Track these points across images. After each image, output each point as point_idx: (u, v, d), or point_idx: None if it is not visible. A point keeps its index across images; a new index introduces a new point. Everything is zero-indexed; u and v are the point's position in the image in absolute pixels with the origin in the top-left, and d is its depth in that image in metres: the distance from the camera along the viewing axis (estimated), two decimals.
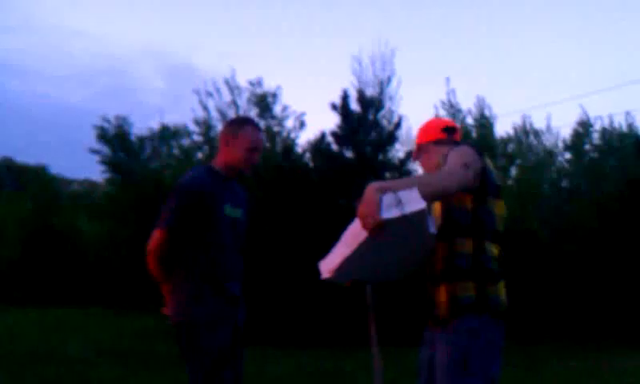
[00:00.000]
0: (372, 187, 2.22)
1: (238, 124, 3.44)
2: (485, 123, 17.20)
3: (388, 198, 2.19)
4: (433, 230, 2.40)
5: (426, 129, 3.00)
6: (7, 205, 25.00)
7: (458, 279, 2.54)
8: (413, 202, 2.19)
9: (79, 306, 17.70)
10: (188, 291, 3.18)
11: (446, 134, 2.93)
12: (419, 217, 2.22)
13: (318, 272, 2.64)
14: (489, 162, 2.68)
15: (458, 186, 2.42)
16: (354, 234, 2.34)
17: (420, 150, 3.00)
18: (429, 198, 2.30)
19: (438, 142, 2.92)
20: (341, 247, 2.45)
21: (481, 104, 17.42)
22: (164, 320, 3.28)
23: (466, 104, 17.56)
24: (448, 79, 16.95)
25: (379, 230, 2.18)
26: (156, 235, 3.16)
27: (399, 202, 2.18)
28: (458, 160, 2.50)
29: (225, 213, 3.25)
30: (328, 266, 2.54)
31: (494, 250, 2.60)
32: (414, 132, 3.19)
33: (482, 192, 2.58)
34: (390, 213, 2.17)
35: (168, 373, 7.61)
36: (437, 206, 2.63)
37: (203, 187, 3.20)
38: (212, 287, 3.19)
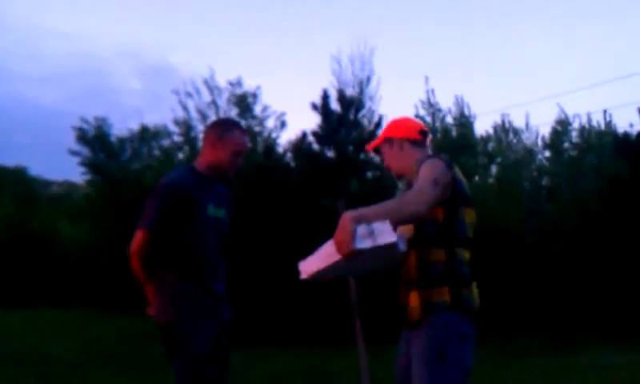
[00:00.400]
0: (347, 217, 2.36)
1: (225, 126, 3.42)
2: (464, 122, 17.33)
3: (362, 229, 2.35)
4: (403, 248, 2.54)
5: (402, 125, 3.00)
6: None
7: (433, 286, 2.64)
8: (385, 234, 2.35)
9: (61, 308, 17.53)
10: (172, 292, 3.17)
11: (422, 136, 2.97)
12: (390, 247, 2.38)
13: (298, 271, 2.70)
14: (459, 173, 2.76)
15: (427, 206, 2.55)
16: (329, 253, 2.47)
17: (388, 143, 2.97)
18: (401, 223, 2.52)
19: (414, 143, 2.94)
20: (317, 258, 2.57)
21: (460, 103, 17.57)
22: (148, 321, 3.27)
23: (446, 103, 17.69)
24: (427, 78, 16.99)
25: (352, 256, 2.35)
26: (138, 236, 3.14)
27: (372, 233, 2.34)
28: (429, 175, 2.60)
29: (208, 213, 3.25)
30: (306, 268, 2.61)
31: (465, 254, 2.71)
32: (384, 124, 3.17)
33: (453, 202, 2.68)
34: (363, 243, 2.34)
35: (153, 374, 7.59)
36: None
37: (185, 187, 3.19)
38: (196, 287, 3.19)
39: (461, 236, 2.70)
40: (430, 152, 2.97)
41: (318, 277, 2.64)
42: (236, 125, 3.50)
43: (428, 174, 2.61)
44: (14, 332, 12.39)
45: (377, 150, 3.08)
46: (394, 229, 2.41)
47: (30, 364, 8.31)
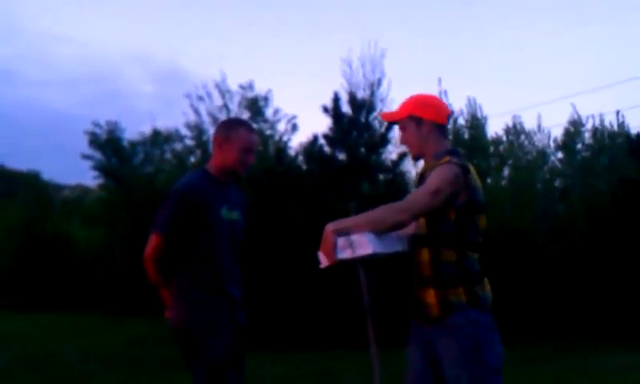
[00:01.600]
0: (328, 229, 2.48)
1: (231, 126, 3.42)
2: (476, 124, 17.25)
3: (341, 241, 2.46)
4: (400, 248, 2.64)
5: (431, 105, 2.86)
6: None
7: (448, 286, 2.66)
8: (362, 246, 2.44)
9: (74, 312, 17.61)
10: (187, 296, 3.17)
11: (447, 122, 2.94)
12: (372, 256, 2.47)
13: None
14: (475, 178, 2.74)
15: (414, 217, 2.60)
16: (322, 257, 2.56)
17: (414, 121, 2.83)
18: (386, 231, 2.54)
19: (440, 128, 2.85)
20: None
21: (472, 105, 17.48)
22: (160, 325, 3.29)
23: (458, 105, 17.57)
24: (440, 80, 16.94)
25: (335, 265, 2.48)
26: (152, 241, 3.15)
27: (351, 244, 2.45)
28: (433, 183, 2.61)
29: (222, 216, 3.24)
30: (323, 260, 2.63)
31: (475, 255, 2.74)
32: (406, 97, 2.92)
33: (468, 209, 2.68)
34: (343, 254, 2.46)
35: (166, 377, 7.61)
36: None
37: (198, 191, 3.19)
38: (211, 291, 3.18)
39: (472, 241, 2.72)
40: (449, 145, 2.90)
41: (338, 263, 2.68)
42: (241, 122, 3.51)
43: (434, 181, 2.61)
44: (26, 336, 12.47)
45: (392, 121, 2.99)
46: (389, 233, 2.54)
47: (42, 368, 8.36)
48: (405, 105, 2.89)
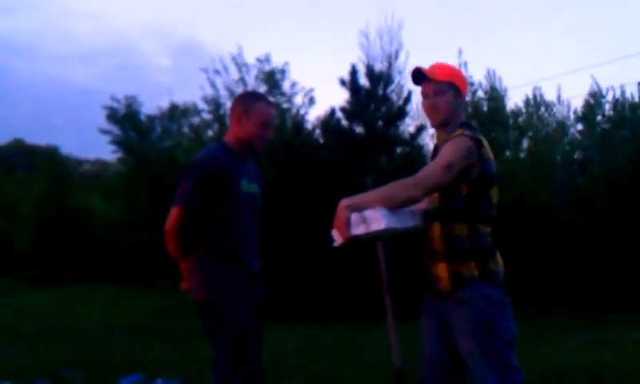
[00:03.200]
0: (342, 205, 2.48)
1: (249, 99, 3.41)
2: (496, 96, 17.10)
3: (354, 217, 2.48)
4: (413, 223, 2.65)
5: (463, 78, 2.89)
6: (21, 187, 25.23)
7: (460, 260, 2.67)
8: (376, 221, 2.46)
9: (94, 284, 17.86)
10: (209, 268, 3.18)
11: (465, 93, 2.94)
12: (384, 231, 2.49)
13: (330, 249, 2.74)
14: (487, 151, 2.72)
15: (427, 192, 2.60)
16: (335, 234, 2.57)
17: (453, 90, 2.80)
18: (399, 207, 2.55)
19: (462, 102, 2.87)
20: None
21: (491, 77, 17.33)
22: (180, 297, 3.33)
23: (477, 76, 17.45)
24: (460, 51, 16.64)
25: (349, 241, 2.48)
26: (174, 213, 3.15)
27: (365, 220, 2.47)
28: (446, 158, 2.60)
29: (242, 188, 3.26)
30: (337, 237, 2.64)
31: (486, 229, 2.72)
32: (439, 63, 2.88)
33: (481, 181, 2.67)
34: (356, 230, 2.47)
35: (186, 347, 7.71)
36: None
37: (219, 164, 3.19)
38: (233, 263, 3.21)
39: (484, 213, 2.70)
40: (463, 117, 2.88)
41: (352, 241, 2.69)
42: (261, 96, 3.49)
43: (446, 155, 2.60)
44: (48, 308, 12.67)
45: (417, 79, 2.84)
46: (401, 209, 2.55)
47: (64, 339, 8.50)
48: (443, 71, 2.84)
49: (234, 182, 3.22)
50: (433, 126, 2.90)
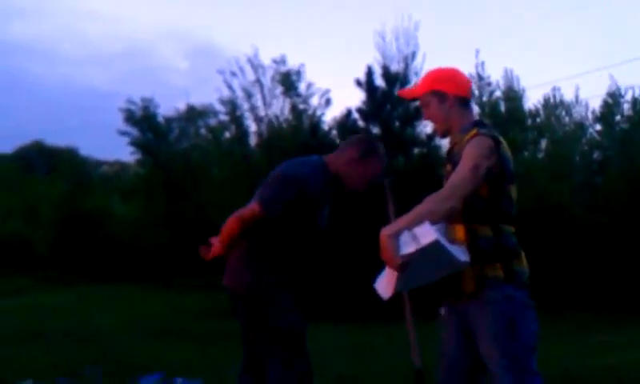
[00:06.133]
0: (384, 235, 2.42)
1: (369, 150, 3.38)
2: (513, 96, 17.01)
3: (404, 236, 2.44)
4: (463, 258, 2.57)
5: (452, 78, 2.83)
6: (40, 187, 25.49)
7: (485, 261, 2.63)
8: (425, 235, 2.43)
9: (113, 284, 17.94)
10: (263, 264, 3.19)
11: (470, 95, 2.90)
12: (435, 246, 2.45)
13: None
14: (505, 148, 2.71)
15: (463, 198, 2.56)
16: (388, 276, 2.56)
17: (437, 96, 2.79)
18: (439, 221, 2.52)
19: (463, 102, 2.81)
20: (385, 278, 2.63)
21: (509, 77, 17.23)
22: (200, 297, 3.36)
23: (494, 77, 17.33)
24: (477, 51, 16.54)
25: (404, 266, 2.41)
26: (253, 208, 3.15)
27: (415, 238, 2.43)
28: (471, 160, 2.58)
29: (323, 215, 3.30)
30: (382, 289, 2.67)
31: (510, 229, 2.69)
32: (425, 72, 2.91)
33: (501, 180, 2.65)
34: (408, 248, 2.42)
35: (206, 348, 7.76)
36: None
37: (316, 191, 3.22)
38: (286, 269, 3.26)
39: (506, 212, 2.68)
40: (475, 116, 2.88)
41: (402, 289, 2.69)
42: (379, 151, 3.43)
43: (470, 157, 2.58)
44: (68, 309, 12.78)
45: (413, 98, 2.95)
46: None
47: (84, 339, 8.58)
48: (425, 80, 2.85)
49: (319, 210, 3.26)
50: (439, 136, 2.93)
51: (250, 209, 3.16)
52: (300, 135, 14.17)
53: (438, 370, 2.84)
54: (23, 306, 12.84)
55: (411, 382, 3.79)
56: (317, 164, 3.38)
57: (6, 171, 28.34)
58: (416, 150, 13.87)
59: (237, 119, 17.57)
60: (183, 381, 5.54)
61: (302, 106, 17.06)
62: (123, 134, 22.38)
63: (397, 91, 3.12)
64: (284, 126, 16.33)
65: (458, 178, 2.58)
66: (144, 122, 22.53)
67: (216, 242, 3.33)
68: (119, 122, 22.46)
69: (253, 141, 17.36)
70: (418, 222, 2.44)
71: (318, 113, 16.66)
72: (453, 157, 2.74)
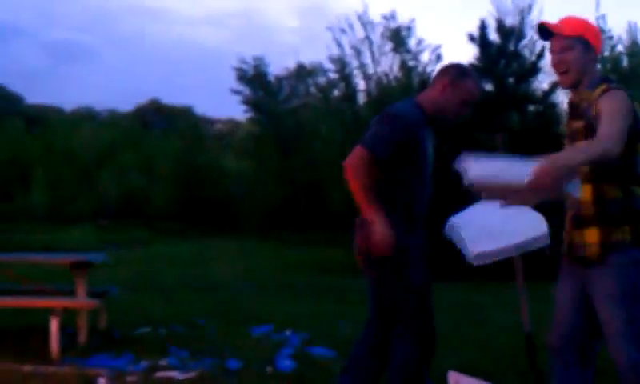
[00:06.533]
0: (546, 168, 2.33)
1: (461, 73, 3.34)
2: (637, 51, 16.00)
3: (574, 182, 2.41)
4: (577, 194, 2.49)
5: (595, 31, 2.76)
6: (157, 144, 26.68)
7: (613, 224, 2.53)
8: (577, 187, 2.41)
9: (228, 237, 18.44)
10: (393, 225, 3.08)
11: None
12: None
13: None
14: (637, 107, 2.56)
15: (620, 145, 2.42)
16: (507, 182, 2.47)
17: (582, 44, 2.67)
18: (599, 162, 2.44)
19: (596, 56, 2.74)
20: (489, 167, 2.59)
21: (632, 30, 16.19)
22: (316, 252, 3.40)
23: (616, 30, 16.34)
24: (598, 3, 15.63)
25: (545, 193, 2.39)
26: (357, 152, 3.09)
27: (575, 187, 2.40)
28: (617, 110, 2.45)
29: (427, 153, 3.27)
30: (479, 247, 2.65)
31: (639, 191, 2.58)
32: (568, 16, 2.75)
33: (633, 137, 2.52)
34: (575, 191, 2.41)
35: (315, 302, 7.92)
36: None
37: (416, 125, 3.18)
38: (413, 223, 3.23)
39: (637, 173, 2.56)
40: (599, 73, 2.77)
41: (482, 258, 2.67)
42: (472, 74, 3.41)
43: (615, 109, 2.46)
44: (185, 260, 13.34)
45: (544, 34, 2.75)
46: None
47: (200, 290, 8.95)
48: (572, 24, 2.71)
49: (423, 147, 3.20)
50: (563, 87, 2.79)
51: (353, 154, 3.09)
52: (410, 93, 13.96)
53: (551, 335, 2.78)
54: (143, 257, 13.52)
55: (518, 344, 3.73)
56: (410, 102, 3.35)
57: (126, 129, 29.66)
58: (531, 108, 13.37)
59: (346, 77, 17.55)
60: (292, 333, 5.72)
61: (411, 63, 16.78)
62: (236, 92, 22.97)
63: (536, 22, 2.96)
64: (393, 83, 16.15)
65: (613, 126, 2.44)
66: (256, 81, 22.97)
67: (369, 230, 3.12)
68: (232, 80, 23.05)
69: (362, 99, 17.31)
70: (584, 163, 2.40)
71: (429, 69, 16.35)
72: (582, 112, 2.62)
